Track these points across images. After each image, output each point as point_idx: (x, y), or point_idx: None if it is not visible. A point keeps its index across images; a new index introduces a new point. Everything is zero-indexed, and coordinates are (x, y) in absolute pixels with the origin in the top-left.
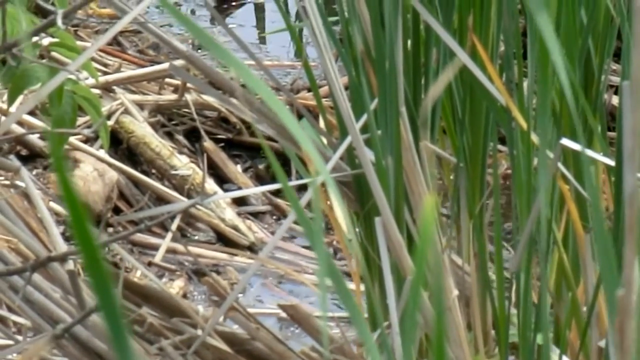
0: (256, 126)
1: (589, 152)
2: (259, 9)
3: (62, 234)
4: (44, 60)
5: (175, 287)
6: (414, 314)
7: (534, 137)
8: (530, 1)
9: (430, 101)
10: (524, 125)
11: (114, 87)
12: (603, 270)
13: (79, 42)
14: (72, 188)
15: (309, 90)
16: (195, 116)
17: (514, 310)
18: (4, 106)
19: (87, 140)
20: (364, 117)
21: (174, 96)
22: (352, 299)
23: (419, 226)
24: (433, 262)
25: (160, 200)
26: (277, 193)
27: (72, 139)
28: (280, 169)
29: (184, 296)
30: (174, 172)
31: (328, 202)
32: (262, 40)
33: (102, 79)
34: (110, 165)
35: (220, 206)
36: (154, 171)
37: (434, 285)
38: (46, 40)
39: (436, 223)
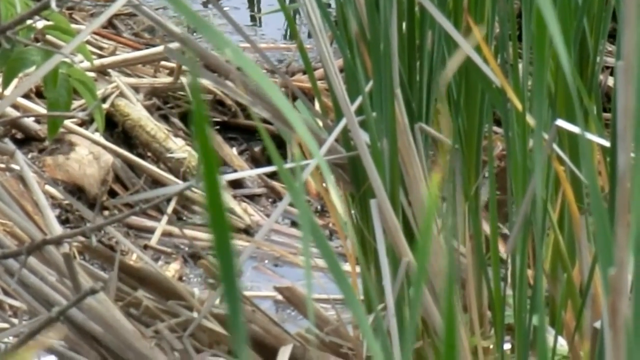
0: (251, 108)
1: (585, 134)
2: None
3: (58, 217)
4: (38, 43)
5: (171, 270)
6: (417, 301)
7: (529, 119)
8: None
9: (444, 84)
10: (519, 106)
11: (109, 70)
12: (599, 250)
13: (73, 25)
14: (211, 148)
15: (304, 73)
16: (191, 99)
17: (509, 292)
18: None
19: (82, 124)
20: (359, 100)
21: (169, 79)
22: (346, 280)
23: (415, 210)
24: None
25: (156, 183)
26: (272, 175)
27: (67, 122)
28: (276, 151)
29: (180, 279)
30: (169, 155)
31: (324, 185)
32: (258, 22)
33: (98, 62)
34: (105, 148)
35: None
36: (149, 154)
37: (444, 273)
38: (41, 23)
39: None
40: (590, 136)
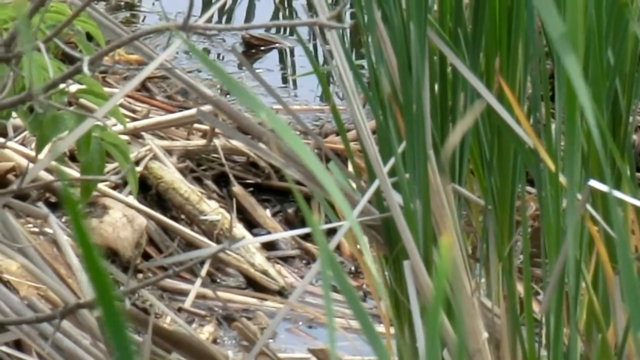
0: (284, 170)
1: (617, 194)
2: (287, 54)
3: None
4: (71, 107)
5: (205, 332)
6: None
7: (562, 179)
8: (558, 44)
9: (452, 145)
10: (552, 167)
11: (143, 133)
12: (631, 312)
13: (107, 89)
14: (86, 233)
15: (337, 134)
16: (224, 161)
17: (544, 352)
18: (33, 153)
19: (115, 187)
20: (392, 161)
21: (202, 141)
22: (379, 341)
23: (436, 266)
24: (462, 304)
25: (190, 245)
26: (306, 237)
27: (100, 186)
28: (310, 213)
29: (214, 341)
30: (203, 217)
31: (358, 246)
32: (291, 84)
33: (131, 125)
34: (139, 211)
35: (249, 251)
36: (183, 216)
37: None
38: (73, 87)
39: (465, 265)
40: (622, 196)
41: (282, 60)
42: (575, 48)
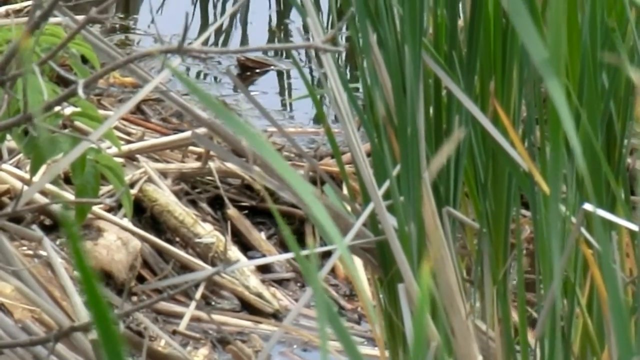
0: (279, 193)
1: (610, 216)
2: (283, 76)
3: (85, 303)
4: (66, 130)
5: (199, 355)
6: None
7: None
8: (542, 69)
9: (437, 166)
10: (547, 190)
11: (137, 156)
12: (618, 337)
13: (102, 111)
14: (84, 256)
15: (332, 157)
16: (219, 184)
17: None
18: (27, 176)
19: (110, 209)
20: (387, 184)
21: (197, 164)
22: None
23: (442, 293)
24: (456, 328)
25: (184, 268)
26: None
27: (95, 208)
28: (292, 238)
29: None
30: (197, 240)
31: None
32: (287, 107)
33: (125, 147)
34: (133, 233)
35: (244, 274)
36: (177, 239)
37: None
38: (68, 110)
39: (460, 289)
40: (617, 219)
41: (277, 82)
42: (558, 72)
